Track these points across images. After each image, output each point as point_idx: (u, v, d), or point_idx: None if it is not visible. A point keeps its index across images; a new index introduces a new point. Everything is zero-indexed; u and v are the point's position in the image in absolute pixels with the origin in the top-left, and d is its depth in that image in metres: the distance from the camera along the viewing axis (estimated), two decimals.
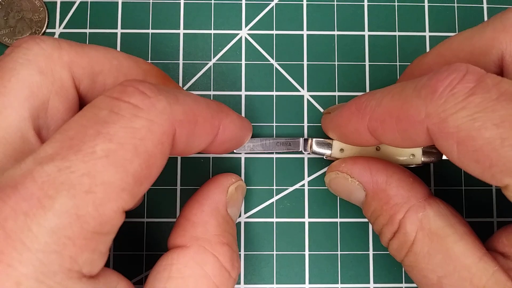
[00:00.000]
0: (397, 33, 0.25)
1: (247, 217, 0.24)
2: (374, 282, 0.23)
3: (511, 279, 0.15)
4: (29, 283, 0.12)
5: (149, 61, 0.24)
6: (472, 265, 0.16)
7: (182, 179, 0.24)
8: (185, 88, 0.24)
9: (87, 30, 0.25)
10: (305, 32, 0.25)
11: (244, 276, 0.23)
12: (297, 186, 0.24)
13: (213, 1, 0.25)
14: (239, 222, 0.24)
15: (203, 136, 0.17)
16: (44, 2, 0.25)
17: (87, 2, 0.25)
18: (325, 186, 0.22)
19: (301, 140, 0.23)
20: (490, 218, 0.24)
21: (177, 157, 0.24)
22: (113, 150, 0.13)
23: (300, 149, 0.23)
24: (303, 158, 0.24)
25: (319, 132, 0.24)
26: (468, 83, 0.14)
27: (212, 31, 0.25)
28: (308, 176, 0.24)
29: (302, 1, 0.25)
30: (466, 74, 0.14)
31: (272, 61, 0.25)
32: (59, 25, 0.25)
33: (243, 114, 0.24)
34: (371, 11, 0.25)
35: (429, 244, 0.17)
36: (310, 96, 0.24)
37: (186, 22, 0.25)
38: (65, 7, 0.25)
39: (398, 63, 0.25)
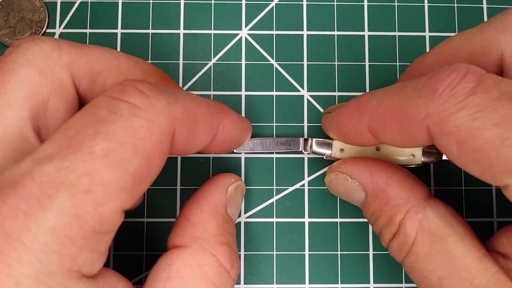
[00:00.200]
0: (397, 33, 0.25)
1: (247, 217, 0.24)
2: (374, 282, 0.23)
3: None
4: (29, 282, 0.12)
5: (149, 61, 0.24)
6: (472, 266, 0.16)
7: (182, 179, 0.24)
8: (185, 88, 0.24)
9: (87, 30, 0.25)
10: (305, 32, 0.25)
11: (244, 276, 0.23)
12: (297, 186, 0.24)
13: (213, 1, 0.25)
14: (239, 222, 0.24)
15: (203, 136, 0.17)
16: (44, 2, 0.25)
17: (87, 2, 0.25)
18: (325, 186, 0.22)
19: (301, 140, 0.23)
20: (490, 218, 0.24)
21: (177, 157, 0.24)
22: (112, 149, 0.13)
23: (300, 149, 0.23)
24: (303, 158, 0.24)
25: (319, 132, 0.24)
26: (468, 83, 0.14)
27: (212, 31, 0.25)
28: (308, 176, 0.24)
29: (302, 1, 0.25)
30: (467, 74, 0.14)
31: (272, 61, 0.25)
32: (59, 25, 0.25)
33: (243, 114, 0.24)
34: (371, 11, 0.25)
35: (429, 245, 0.17)
36: (310, 96, 0.24)
37: (186, 22, 0.25)
38: (65, 7, 0.25)
39: (398, 63, 0.25)
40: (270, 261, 0.23)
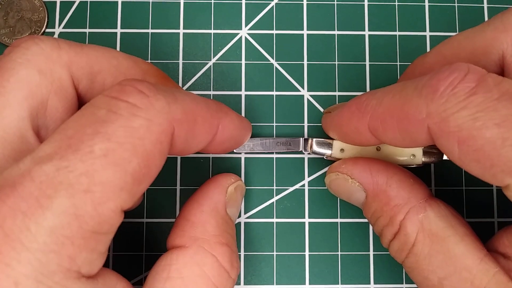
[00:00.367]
0: (397, 33, 0.25)
1: (247, 217, 0.24)
2: (375, 283, 0.23)
3: None
4: (28, 282, 0.12)
5: (149, 61, 0.24)
6: (473, 266, 0.16)
7: (182, 179, 0.24)
8: (185, 88, 0.24)
9: (87, 30, 0.25)
10: (305, 32, 0.25)
11: (244, 277, 0.23)
12: (297, 186, 0.24)
13: (213, 1, 0.25)
14: (239, 223, 0.24)
15: (202, 136, 0.17)
16: (43, 1, 0.25)
17: (87, 1, 0.25)
18: (325, 187, 0.22)
19: (301, 140, 0.23)
20: (491, 218, 0.24)
21: (177, 157, 0.24)
22: (112, 149, 0.13)
23: (300, 149, 0.23)
24: (303, 158, 0.24)
25: (319, 132, 0.24)
26: (469, 82, 0.14)
27: (212, 31, 0.25)
28: (308, 176, 0.24)
29: (302, 1, 0.25)
30: (467, 74, 0.14)
31: (272, 61, 0.25)
32: (59, 25, 0.25)
33: (243, 114, 0.24)
34: (371, 11, 0.25)
35: (430, 245, 0.17)
36: (310, 96, 0.24)
37: (186, 22, 0.25)
38: (65, 7, 0.25)
39: (398, 63, 0.25)
40: (270, 262, 0.23)
